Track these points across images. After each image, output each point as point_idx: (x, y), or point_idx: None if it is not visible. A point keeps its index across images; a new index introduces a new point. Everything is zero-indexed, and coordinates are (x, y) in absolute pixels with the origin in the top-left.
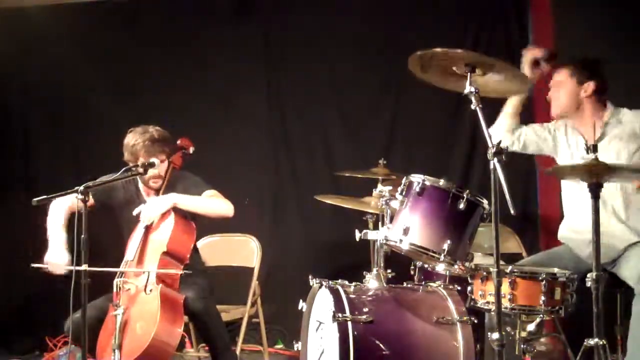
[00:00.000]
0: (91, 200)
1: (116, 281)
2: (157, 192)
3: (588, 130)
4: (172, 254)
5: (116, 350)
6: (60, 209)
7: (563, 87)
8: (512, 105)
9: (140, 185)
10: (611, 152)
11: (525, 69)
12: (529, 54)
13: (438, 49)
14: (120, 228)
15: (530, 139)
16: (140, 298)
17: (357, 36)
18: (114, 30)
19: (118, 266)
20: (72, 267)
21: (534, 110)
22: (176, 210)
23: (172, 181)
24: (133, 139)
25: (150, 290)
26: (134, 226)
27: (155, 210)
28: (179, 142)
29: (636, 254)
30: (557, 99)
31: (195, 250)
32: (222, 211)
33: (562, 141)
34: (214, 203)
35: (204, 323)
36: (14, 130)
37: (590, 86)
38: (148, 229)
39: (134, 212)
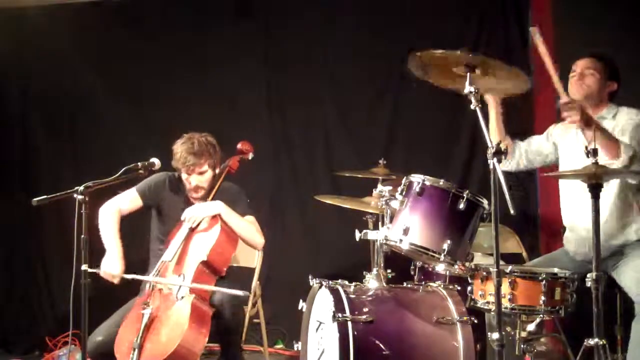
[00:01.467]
0: (139, 203)
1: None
2: (204, 199)
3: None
4: (210, 264)
5: (136, 350)
6: (110, 215)
7: (595, 75)
8: (492, 122)
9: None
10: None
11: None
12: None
13: (437, 51)
14: (159, 229)
15: (533, 156)
16: (171, 302)
17: (357, 36)
18: (114, 30)
19: (145, 264)
20: (126, 275)
21: (535, 127)
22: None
23: (221, 189)
24: (176, 148)
25: (182, 297)
26: (175, 229)
27: (199, 211)
28: (239, 145)
29: (634, 263)
30: (588, 85)
31: None
32: (253, 241)
33: (561, 146)
34: (250, 231)
35: (228, 329)
36: (14, 130)
37: (614, 85)
38: (192, 231)
39: (182, 217)
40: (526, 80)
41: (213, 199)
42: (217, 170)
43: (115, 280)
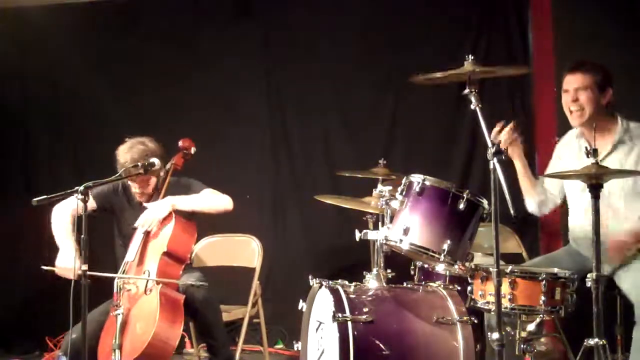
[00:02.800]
0: (93, 204)
1: (117, 281)
2: (155, 199)
3: (597, 138)
4: (172, 254)
5: (116, 351)
6: (64, 215)
7: (587, 93)
8: (521, 175)
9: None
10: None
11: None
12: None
13: (438, 74)
14: (119, 233)
15: (557, 185)
16: (141, 298)
17: (356, 36)
18: (114, 30)
19: (115, 268)
20: (80, 272)
21: (535, 127)
22: (177, 210)
23: (170, 186)
24: (120, 153)
25: (150, 291)
26: (133, 232)
27: (154, 215)
28: (180, 143)
29: (635, 267)
30: (583, 107)
31: None
32: (221, 206)
33: (566, 158)
34: (212, 199)
35: (202, 314)
36: (14, 130)
37: (609, 93)
38: (148, 232)
39: (135, 225)
40: (524, 69)
41: (164, 197)
42: (162, 174)
43: (71, 275)
